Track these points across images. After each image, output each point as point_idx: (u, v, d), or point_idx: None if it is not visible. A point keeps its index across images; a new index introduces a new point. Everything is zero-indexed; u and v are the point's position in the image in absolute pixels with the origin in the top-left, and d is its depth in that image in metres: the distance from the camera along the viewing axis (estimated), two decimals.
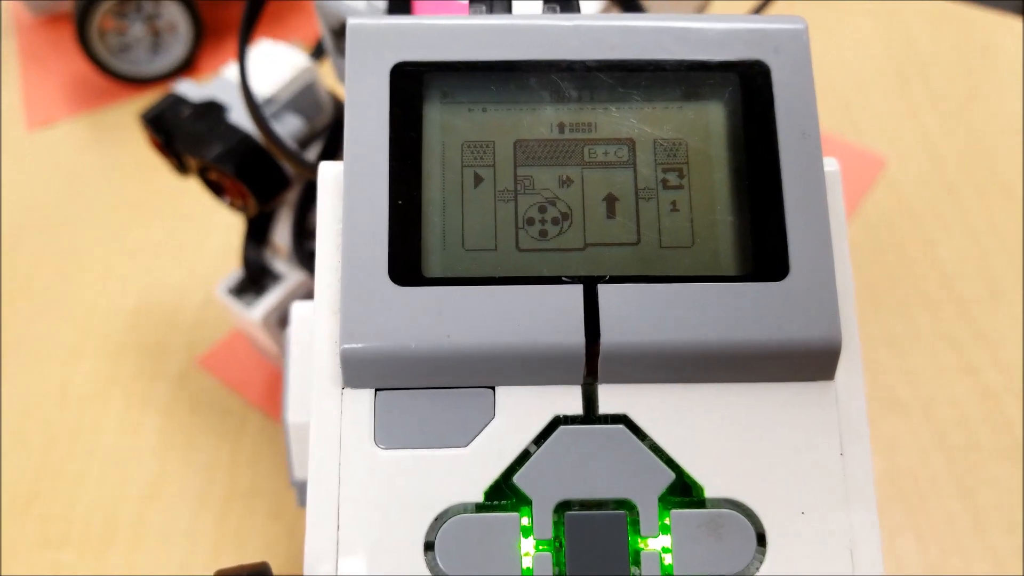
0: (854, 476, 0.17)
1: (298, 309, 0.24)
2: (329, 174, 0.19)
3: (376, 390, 0.17)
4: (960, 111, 0.54)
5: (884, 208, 0.49)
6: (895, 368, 0.42)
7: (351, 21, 0.18)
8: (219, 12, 0.60)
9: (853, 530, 0.17)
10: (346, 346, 0.17)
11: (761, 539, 0.17)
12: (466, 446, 0.17)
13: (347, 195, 0.17)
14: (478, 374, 0.17)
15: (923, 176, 0.50)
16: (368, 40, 0.18)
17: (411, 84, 0.18)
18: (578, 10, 0.21)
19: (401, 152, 0.18)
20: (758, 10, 0.40)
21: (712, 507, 0.17)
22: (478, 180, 0.18)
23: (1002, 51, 0.57)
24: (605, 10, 0.30)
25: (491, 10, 0.20)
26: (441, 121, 0.18)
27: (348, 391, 0.17)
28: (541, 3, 0.21)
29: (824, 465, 0.17)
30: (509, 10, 0.21)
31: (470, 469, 0.17)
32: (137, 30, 0.56)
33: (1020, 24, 0.59)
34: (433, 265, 0.17)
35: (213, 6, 0.60)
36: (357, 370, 0.17)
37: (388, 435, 0.17)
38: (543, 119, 0.18)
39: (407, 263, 0.17)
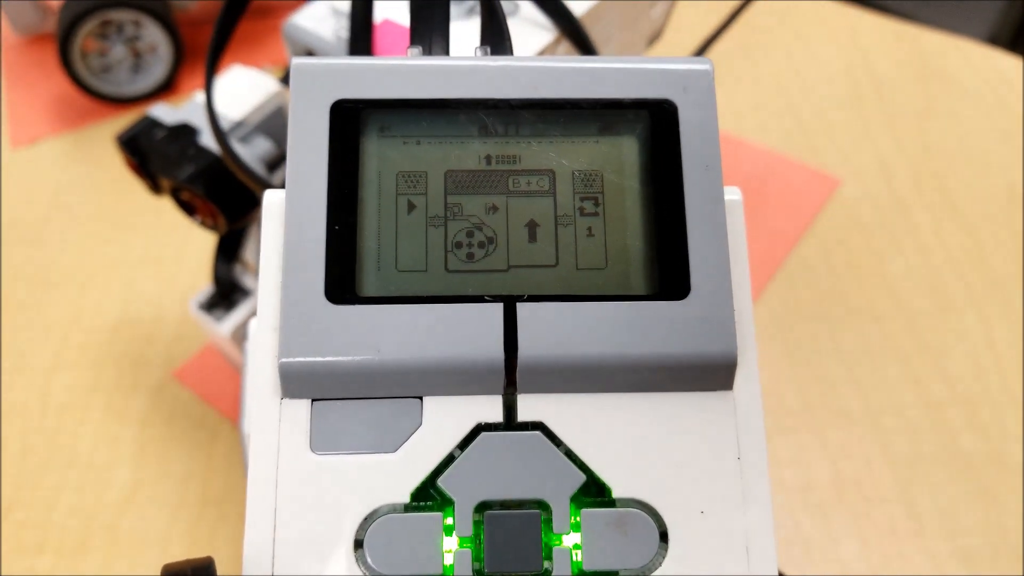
0: (750, 479, 0.19)
1: (255, 324, 0.26)
2: (272, 201, 0.20)
3: (312, 400, 0.18)
4: (912, 132, 0.56)
5: (837, 225, 0.51)
6: (843, 379, 0.44)
7: (295, 61, 0.20)
8: (199, 34, 0.62)
9: (749, 529, 0.18)
10: (284, 360, 0.18)
11: (664, 536, 0.18)
12: (395, 451, 0.18)
13: (288, 221, 0.19)
14: (407, 385, 0.18)
15: (875, 194, 0.52)
16: (310, 79, 0.19)
17: (349, 119, 0.19)
18: (510, 52, 0.23)
19: (339, 181, 0.19)
20: (729, 20, 0.42)
21: (620, 507, 0.18)
22: (411, 207, 0.19)
23: (954, 73, 0.60)
24: (555, 42, 0.32)
25: (429, 51, 0.22)
26: (378, 153, 0.19)
27: (286, 401, 0.19)
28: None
29: (722, 468, 0.19)
30: (447, 51, 0.22)
31: (398, 472, 0.18)
32: (118, 52, 0.57)
33: (973, 46, 0.61)
34: (367, 285, 0.19)
35: (193, 29, 0.61)
36: (294, 382, 0.18)
37: (323, 441, 0.18)
38: (472, 152, 0.20)
39: (342, 284, 0.18)
